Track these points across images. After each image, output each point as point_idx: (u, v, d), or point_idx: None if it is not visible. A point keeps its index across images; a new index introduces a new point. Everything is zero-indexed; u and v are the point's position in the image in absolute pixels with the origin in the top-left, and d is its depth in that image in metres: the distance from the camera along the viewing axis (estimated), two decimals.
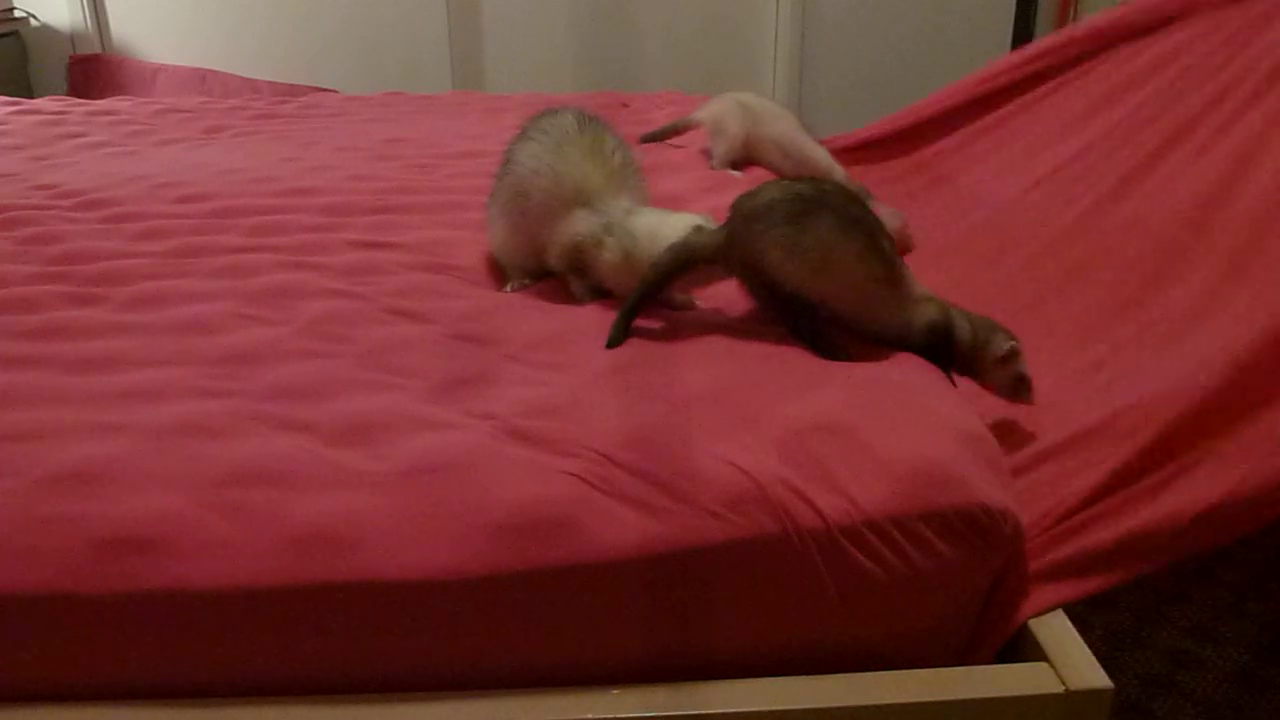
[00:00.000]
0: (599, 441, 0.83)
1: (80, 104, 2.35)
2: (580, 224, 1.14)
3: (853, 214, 1.02)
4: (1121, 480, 0.89)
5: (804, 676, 0.79)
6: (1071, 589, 0.85)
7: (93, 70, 3.07)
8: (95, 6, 3.06)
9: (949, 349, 1.03)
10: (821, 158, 1.76)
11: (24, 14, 3.07)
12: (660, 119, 2.03)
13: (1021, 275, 1.35)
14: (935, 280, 1.13)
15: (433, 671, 0.78)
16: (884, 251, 1.02)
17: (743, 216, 1.04)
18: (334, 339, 1.05)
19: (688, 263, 1.07)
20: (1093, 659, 0.80)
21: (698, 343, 1.01)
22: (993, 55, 2.93)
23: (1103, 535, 0.86)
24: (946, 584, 0.81)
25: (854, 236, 1.01)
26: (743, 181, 1.53)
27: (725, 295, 1.13)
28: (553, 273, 1.21)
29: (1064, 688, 0.78)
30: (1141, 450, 0.89)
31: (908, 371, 0.96)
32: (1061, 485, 0.91)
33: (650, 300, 1.08)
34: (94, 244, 1.32)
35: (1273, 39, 1.34)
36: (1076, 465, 0.93)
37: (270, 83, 3.01)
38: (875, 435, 0.84)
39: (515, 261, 1.24)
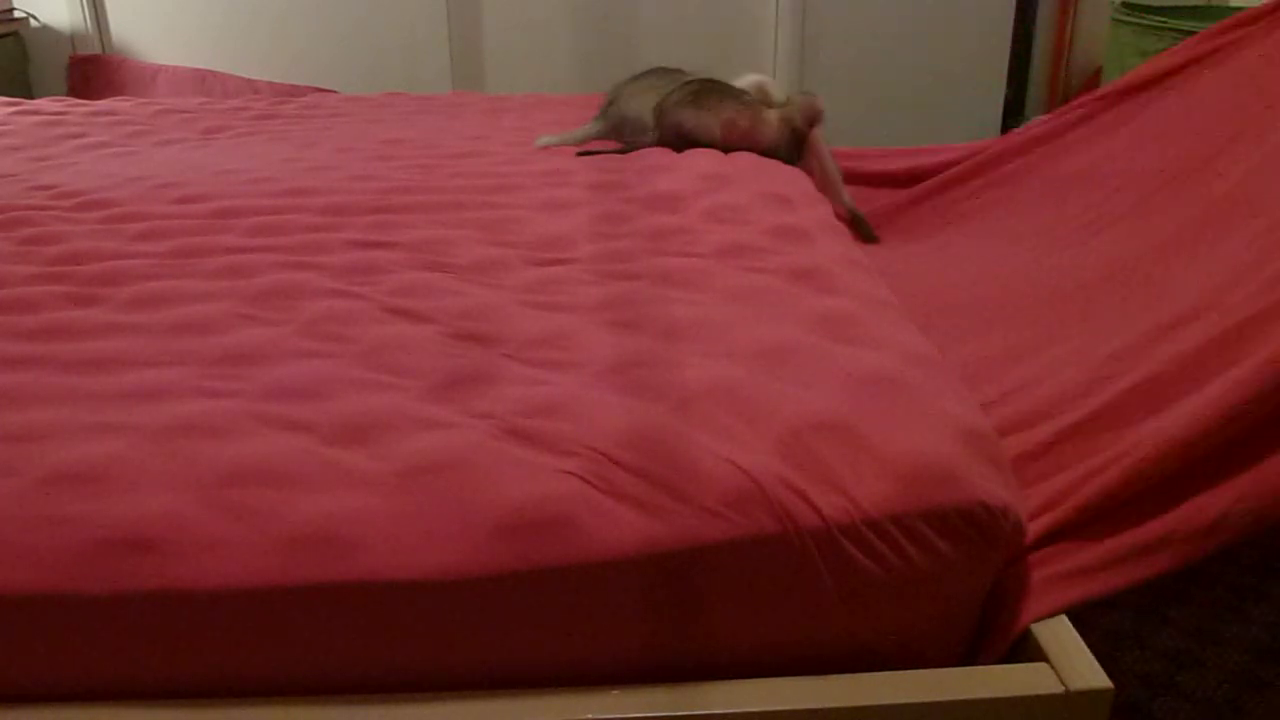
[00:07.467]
0: (598, 440, 0.83)
1: (80, 104, 2.34)
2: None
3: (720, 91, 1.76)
4: (1138, 481, 0.88)
5: (804, 677, 0.79)
6: (1080, 590, 0.85)
7: (93, 71, 3.07)
8: (95, 7, 3.05)
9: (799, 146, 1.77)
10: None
11: (24, 14, 3.07)
12: None
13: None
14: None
15: (433, 671, 0.78)
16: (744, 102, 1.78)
17: (665, 110, 1.76)
18: (334, 339, 1.05)
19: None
20: (1093, 659, 0.80)
21: (697, 341, 1.01)
22: (993, 42, 2.96)
23: (1118, 537, 0.86)
24: (947, 582, 0.81)
25: (728, 102, 1.76)
26: (734, 178, 1.52)
27: (722, 291, 1.13)
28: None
29: (1064, 688, 0.78)
30: (1159, 454, 0.89)
31: (908, 367, 0.96)
32: (1077, 483, 0.91)
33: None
34: (94, 244, 1.32)
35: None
36: (1092, 462, 0.92)
37: (270, 83, 3.00)
38: (875, 433, 0.84)
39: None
